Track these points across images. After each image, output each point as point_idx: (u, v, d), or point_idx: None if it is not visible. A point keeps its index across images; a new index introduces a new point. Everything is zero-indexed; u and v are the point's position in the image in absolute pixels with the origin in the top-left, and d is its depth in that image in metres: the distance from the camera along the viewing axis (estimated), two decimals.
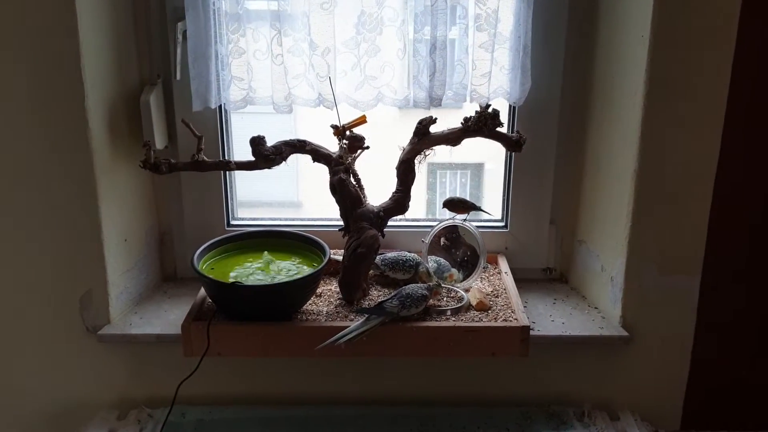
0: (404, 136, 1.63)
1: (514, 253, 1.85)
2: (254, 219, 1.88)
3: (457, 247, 1.77)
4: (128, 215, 1.68)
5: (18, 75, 1.47)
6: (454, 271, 1.73)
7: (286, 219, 1.89)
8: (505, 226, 1.85)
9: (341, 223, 1.66)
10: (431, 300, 1.58)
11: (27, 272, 1.61)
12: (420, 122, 1.59)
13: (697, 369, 1.70)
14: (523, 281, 1.76)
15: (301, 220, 1.88)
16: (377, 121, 1.66)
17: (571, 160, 1.77)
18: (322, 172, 1.63)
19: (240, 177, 1.86)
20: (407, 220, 1.84)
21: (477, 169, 2.13)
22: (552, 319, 1.67)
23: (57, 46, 1.45)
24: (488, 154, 1.99)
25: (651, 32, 1.44)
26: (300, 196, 2.21)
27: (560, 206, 1.81)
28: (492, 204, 1.88)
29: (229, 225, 1.84)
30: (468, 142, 1.59)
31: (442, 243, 1.78)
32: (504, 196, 1.84)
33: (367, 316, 1.50)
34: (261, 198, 1.99)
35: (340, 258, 1.65)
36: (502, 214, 1.86)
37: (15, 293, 1.63)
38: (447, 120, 1.60)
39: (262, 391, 1.72)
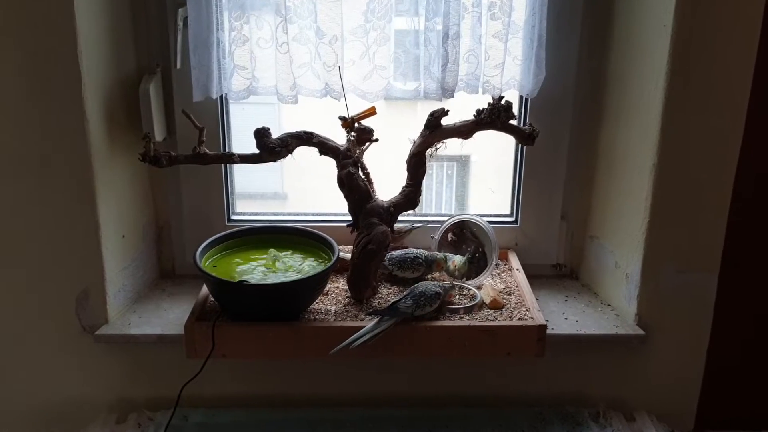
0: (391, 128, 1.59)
1: (524, 248, 1.81)
2: (255, 213, 1.82)
3: (466, 243, 1.72)
4: (126, 210, 1.62)
5: (12, 63, 1.40)
6: (457, 258, 1.66)
7: (287, 214, 1.83)
8: (515, 222, 1.80)
9: (343, 218, 1.61)
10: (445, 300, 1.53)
11: (21, 269, 1.55)
12: (431, 114, 1.53)
13: (713, 368, 1.67)
14: (532, 277, 1.71)
15: (305, 215, 1.83)
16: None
17: (583, 154, 1.73)
18: (308, 163, 1.59)
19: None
20: (414, 215, 1.79)
21: (463, 161, 2.09)
22: (565, 317, 1.63)
23: (53, 32, 1.38)
24: (475, 147, 1.95)
25: (674, 22, 1.40)
26: (285, 188, 2.16)
27: (572, 201, 1.77)
28: (499, 198, 1.84)
29: (229, 220, 1.78)
30: None
31: (449, 239, 1.73)
32: (514, 190, 1.80)
33: (380, 317, 1.44)
34: (245, 189, 1.93)
35: (347, 255, 1.59)
36: (512, 209, 1.81)
37: (8, 292, 1.57)
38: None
39: (268, 393, 1.67)
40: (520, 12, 1.55)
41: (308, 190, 2.06)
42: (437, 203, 2.18)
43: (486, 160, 2.02)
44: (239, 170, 1.78)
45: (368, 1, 1.52)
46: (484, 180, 1.90)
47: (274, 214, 1.83)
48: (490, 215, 1.82)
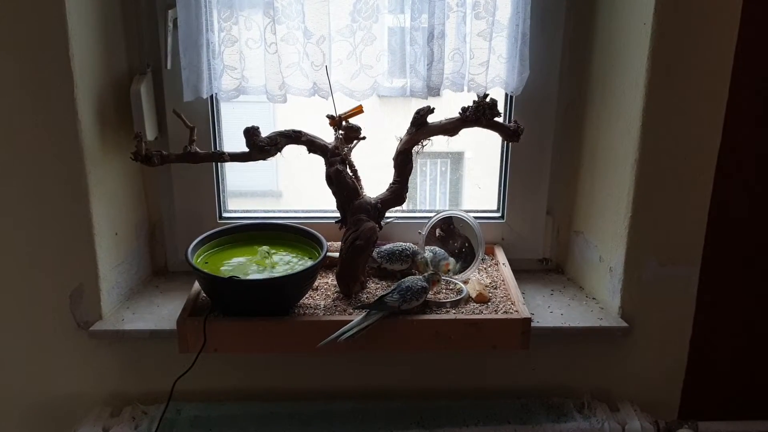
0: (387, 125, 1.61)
1: (510, 243, 1.83)
2: (246, 211, 1.84)
3: (454, 239, 1.75)
4: (119, 208, 1.64)
5: (5, 66, 1.42)
6: (451, 260, 1.70)
7: (279, 211, 1.86)
8: (502, 217, 1.83)
9: (333, 214, 1.63)
10: (430, 291, 1.56)
11: (15, 267, 1.57)
12: (417, 112, 1.56)
13: (696, 358, 1.70)
14: (519, 272, 1.74)
15: (295, 212, 1.85)
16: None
17: (568, 150, 1.76)
18: (302, 161, 1.61)
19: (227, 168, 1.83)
20: (403, 211, 1.82)
21: (457, 158, 2.11)
22: (551, 310, 1.66)
23: (45, 35, 1.40)
24: (468, 143, 1.97)
25: (653, 20, 1.42)
26: (280, 186, 2.19)
27: (557, 197, 1.80)
28: (486, 193, 1.87)
29: (221, 217, 1.81)
30: None
31: (437, 234, 1.76)
32: (500, 186, 1.82)
33: (367, 311, 1.47)
34: (240, 188, 1.95)
35: (336, 254, 1.62)
36: (499, 205, 1.84)
37: (3, 289, 1.59)
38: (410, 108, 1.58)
39: (260, 387, 1.69)
40: (504, 11, 1.57)
41: (302, 188, 2.08)
42: (431, 199, 2.21)
43: (480, 156, 2.03)
44: (234, 169, 1.80)
45: (354, 1, 1.54)
46: (477, 176, 1.92)
47: (265, 211, 1.85)
48: (477, 211, 1.85)
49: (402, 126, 1.59)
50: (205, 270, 1.49)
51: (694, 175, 1.55)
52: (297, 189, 2.12)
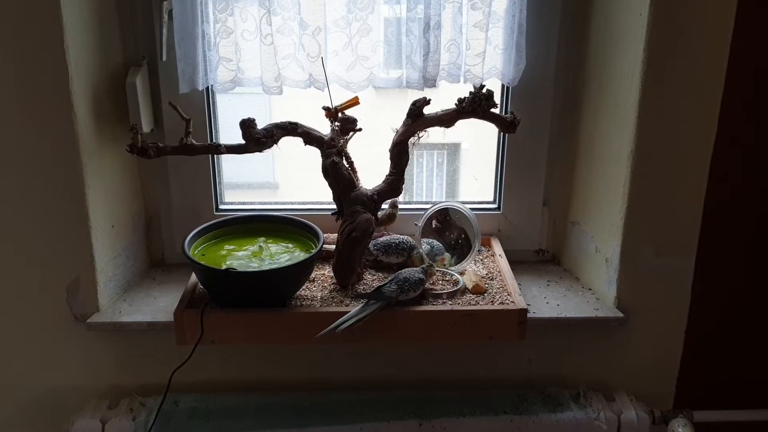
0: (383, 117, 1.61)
1: (507, 235, 1.84)
2: (243, 203, 1.84)
3: (450, 230, 1.75)
4: (115, 200, 1.64)
5: (0, 59, 1.42)
6: (446, 255, 1.71)
7: (276, 203, 1.86)
8: (498, 208, 1.83)
9: (330, 206, 1.64)
10: (427, 282, 1.56)
11: (11, 260, 1.57)
12: (414, 103, 1.56)
13: (691, 348, 1.71)
14: (515, 263, 1.74)
15: (292, 203, 1.85)
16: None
17: (564, 141, 1.76)
18: (299, 153, 1.61)
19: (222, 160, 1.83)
20: (399, 203, 1.81)
21: (453, 149, 2.11)
22: (546, 301, 1.67)
23: (40, 26, 1.40)
24: (465, 134, 1.97)
25: (650, 10, 1.42)
26: (277, 178, 2.19)
27: (553, 188, 1.80)
28: (483, 185, 1.87)
29: (217, 209, 1.81)
30: None
31: (434, 226, 1.76)
32: (496, 177, 1.82)
33: (365, 301, 1.48)
34: (236, 179, 1.95)
35: (332, 247, 1.63)
36: (495, 196, 1.84)
37: (0, 282, 1.59)
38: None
39: (257, 378, 1.70)
40: (500, 1, 1.57)
41: (299, 180, 2.08)
42: (428, 191, 2.21)
43: (477, 148, 2.04)
44: (230, 160, 1.80)
45: None
46: (474, 168, 1.92)
47: (262, 203, 1.86)
48: (474, 202, 1.85)
49: (398, 117, 1.58)
50: (202, 262, 1.49)
51: (690, 165, 1.55)
52: (294, 181, 2.12)
